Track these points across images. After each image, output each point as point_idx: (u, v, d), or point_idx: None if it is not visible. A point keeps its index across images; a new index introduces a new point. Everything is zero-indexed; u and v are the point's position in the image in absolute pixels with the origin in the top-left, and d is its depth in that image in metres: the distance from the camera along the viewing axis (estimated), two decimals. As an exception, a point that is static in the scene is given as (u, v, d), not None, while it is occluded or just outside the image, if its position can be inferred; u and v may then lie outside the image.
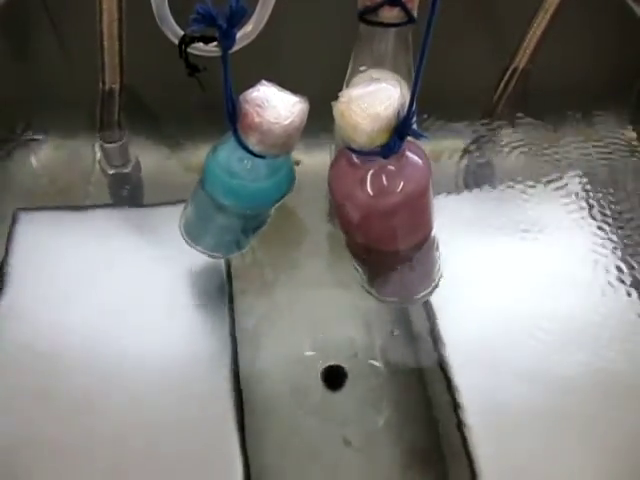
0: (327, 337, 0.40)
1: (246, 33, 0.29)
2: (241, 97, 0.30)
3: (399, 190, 0.29)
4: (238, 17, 0.27)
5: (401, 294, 0.38)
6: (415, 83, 0.26)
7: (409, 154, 0.29)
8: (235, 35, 0.28)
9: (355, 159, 0.29)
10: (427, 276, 0.37)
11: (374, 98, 0.26)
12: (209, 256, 0.40)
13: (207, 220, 0.38)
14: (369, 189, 0.29)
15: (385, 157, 0.27)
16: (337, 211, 0.32)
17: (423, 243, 0.33)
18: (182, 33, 0.31)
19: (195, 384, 0.36)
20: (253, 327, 0.40)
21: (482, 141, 0.51)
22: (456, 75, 0.47)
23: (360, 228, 0.32)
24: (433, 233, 0.33)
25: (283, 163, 0.34)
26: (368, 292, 0.38)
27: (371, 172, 0.29)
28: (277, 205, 0.37)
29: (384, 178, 0.29)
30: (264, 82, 0.31)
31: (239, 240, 0.40)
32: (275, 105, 0.30)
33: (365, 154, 0.27)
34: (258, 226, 0.39)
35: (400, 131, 0.26)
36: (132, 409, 0.35)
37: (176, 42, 0.30)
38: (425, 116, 0.26)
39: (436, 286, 0.37)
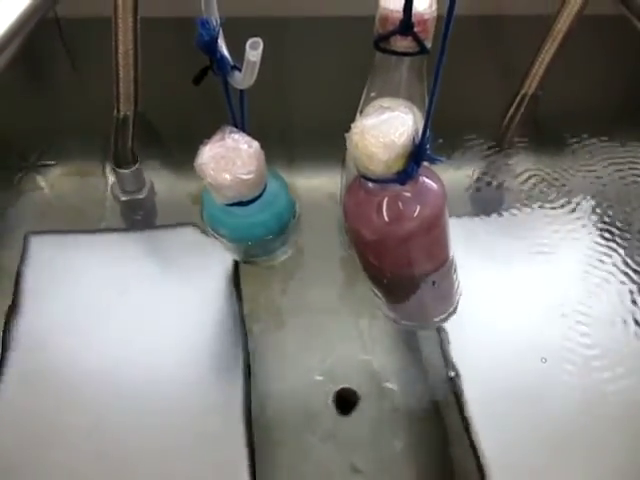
0: (339, 362, 0.40)
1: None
2: (224, 128, 0.30)
3: (415, 215, 0.29)
4: (210, 47, 0.27)
5: (419, 318, 0.38)
6: (429, 107, 0.26)
7: (424, 179, 0.29)
8: (226, 64, 0.28)
9: (370, 186, 0.28)
10: (445, 300, 0.37)
11: (388, 126, 0.26)
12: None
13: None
14: (385, 216, 0.29)
15: (402, 183, 0.27)
16: (353, 238, 0.32)
17: (440, 267, 0.33)
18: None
19: (206, 410, 0.36)
20: (265, 351, 0.40)
21: (493, 166, 0.51)
22: (466, 101, 0.47)
23: (377, 254, 0.32)
24: (451, 256, 0.33)
25: (279, 194, 0.34)
26: (387, 317, 0.38)
27: (387, 199, 0.29)
28: (282, 233, 0.36)
29: (400, 204, 0.28)
30: (249, 142, 0.30)
31: (245, 259, 0.40)
32: (217, 161, 0.30)
33: (382, 182, 0.27)
34: (267, 251, 0.39)
35: (416, 157, 0.26)
36: (143, 434, 0.35)
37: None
38: (440, 140, 0.26)
39: (455, 310, 0.37)
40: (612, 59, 0.52)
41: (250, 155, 0.30)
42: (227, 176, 0.29)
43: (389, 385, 0.39)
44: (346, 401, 0.39)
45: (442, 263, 0.33)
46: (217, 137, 0.30)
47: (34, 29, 0.31)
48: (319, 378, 0.39)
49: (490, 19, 0.51)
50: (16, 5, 0.30)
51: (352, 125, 0.27)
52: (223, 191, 0.30)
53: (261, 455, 0.35)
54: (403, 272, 0.32)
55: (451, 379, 0.38)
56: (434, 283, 0.33)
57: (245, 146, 0.30)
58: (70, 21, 0.48)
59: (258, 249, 0.38)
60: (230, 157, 0.30)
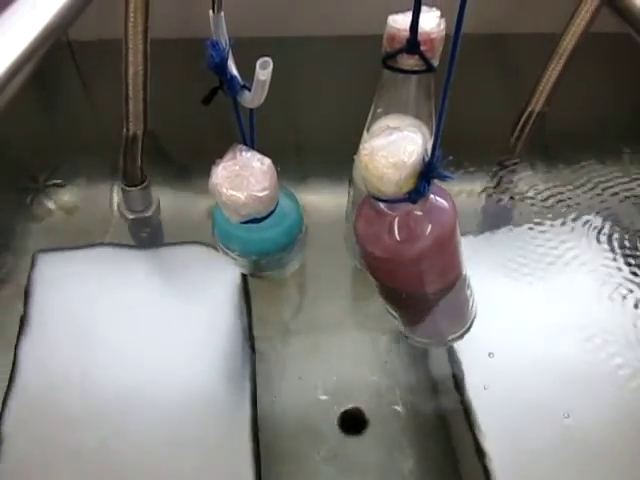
0: (346, 380, 0.40)
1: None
2: (235, 147, 0.31)
3: (427, 234, 0.28)
4: (221, 68, 0.27)
5: (433, 336, 0.38)
6: (438, 124, 0.26)
7: (434, 197, 0.29)
8: (236, 84, 0.28)
9: (381, 206, 0.28)
10: (459, 317, 0.36)
11: (397, 147, 0.26)
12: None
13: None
14: (397, 235, 0.29)
15: (414, 202, 0.27)
16: (365, 258, 0.32)
17: (453, 284, 0.32)
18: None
19: (213, 426, 0.36)
20: (272, 367, 0.40)
21: (500, 183, 0.51)
22: (473, 119, 0.47)
23: (389, 274, 0.32)
24: (464, 273, 0.33)
25: (289, 210, 0.34)
26: (404, 336, 0.38)
27: (398, 218, 0.28)
28: (291, 248, 0.37)
29: (411, 223, 0.28)
30: (262, 160, 0.30)
31: (254, 273, 0.40)
32: (232, 180, 0.30)
33: (393, 202, 0.27)
34: (276, 265, 0.39)
35: (427, 175, 0.26)
36: (149, 451, 0.35)
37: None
38: (451, 157, 0.26)
39: (470, 327, 0.37)
40: (619, 77, 0.52)
41: (264, 172, 0.30)
42: (242, 194, 0.30)
43: (398, 403, 0.39)
44: (354, 420, 0.38)
45: (454, 280, 0.32)
46: (229, 156, 0.30)
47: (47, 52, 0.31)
48: (326, 397, 0.39)
49: (497, 37, 0.51)
50: (30, 29, 0.31)
51: (361, 147, 0.27)
52: (238, 209, 0.30)
53: (266, 472, 0.35)
54: (416, 290, 0.32)
55: (461, 396, 0.38)
56: (447, 300, 0.33)
57: (258, 163, 0.30)
58: (81, 43, 0.49)
59: (267, 263, 0.39)
60: (244, 175, 0.30)
